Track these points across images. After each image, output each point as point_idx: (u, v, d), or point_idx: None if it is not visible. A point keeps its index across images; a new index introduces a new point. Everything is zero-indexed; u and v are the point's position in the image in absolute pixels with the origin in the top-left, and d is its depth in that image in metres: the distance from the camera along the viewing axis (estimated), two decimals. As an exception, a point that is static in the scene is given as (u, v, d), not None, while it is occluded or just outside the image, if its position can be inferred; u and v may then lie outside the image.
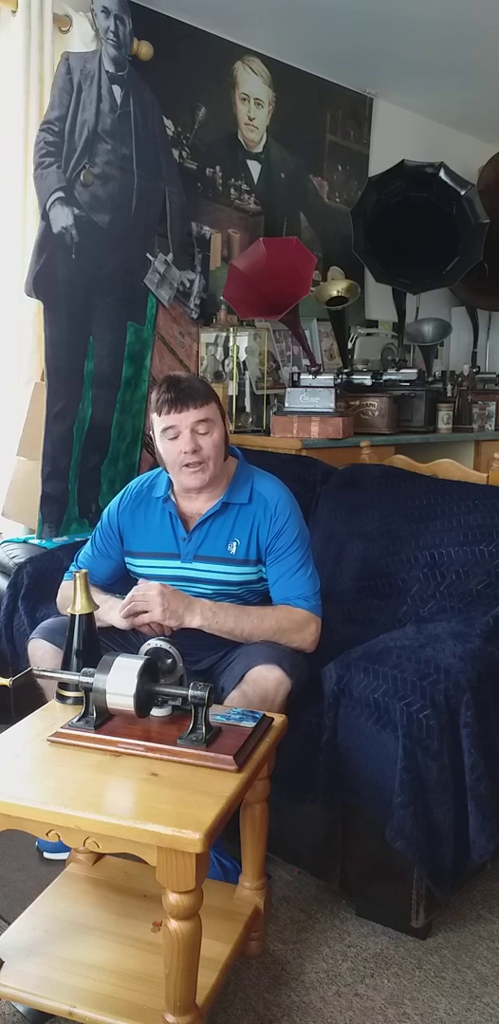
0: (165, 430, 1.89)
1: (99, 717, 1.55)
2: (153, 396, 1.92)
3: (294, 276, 3.16)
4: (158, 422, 1.90)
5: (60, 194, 2.76)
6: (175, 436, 1.88)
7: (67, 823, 1.34)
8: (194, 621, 1.86)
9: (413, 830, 1.65)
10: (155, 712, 1.59)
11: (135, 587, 1.90)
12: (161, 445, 1.93)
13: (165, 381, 1.92)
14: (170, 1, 3.22)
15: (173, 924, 1.33)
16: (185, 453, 1.88)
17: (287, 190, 3.92)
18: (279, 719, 1.68)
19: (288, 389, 3.30)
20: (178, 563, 1.99)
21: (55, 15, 2.87)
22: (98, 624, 1.77)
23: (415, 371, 3.67)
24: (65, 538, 2.90)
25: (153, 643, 1.64)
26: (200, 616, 1.86)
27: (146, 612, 1.85)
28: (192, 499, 1.99)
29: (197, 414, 1.87)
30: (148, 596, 1.84)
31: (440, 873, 1.69)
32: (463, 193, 3.72)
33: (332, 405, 3.21)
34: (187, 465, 1.89)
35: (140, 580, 2.01)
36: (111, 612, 1.89)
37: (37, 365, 2.91)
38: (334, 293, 3.76)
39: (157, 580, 1.96)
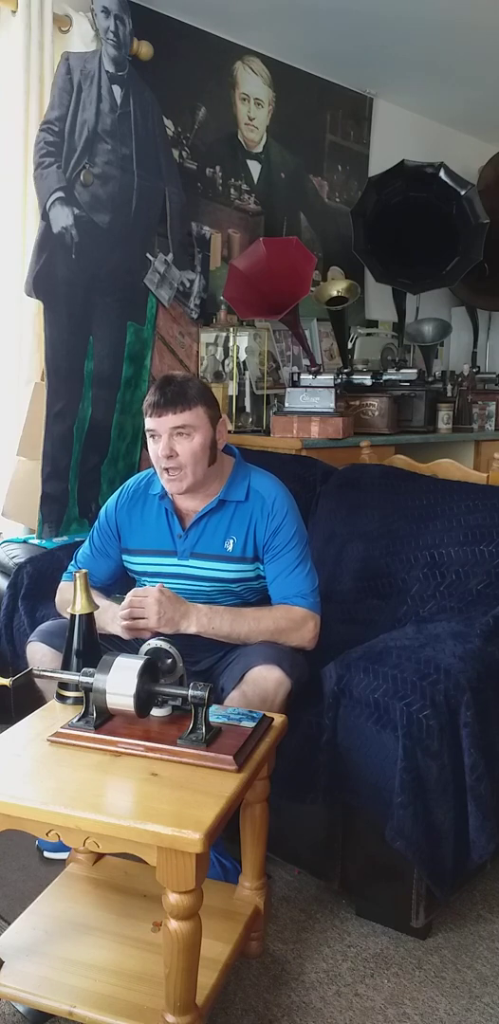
0: (147, 431, 1.93)
1: (99, 717, 1.55)
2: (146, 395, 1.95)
3: (294, 276, 3.16)
4: (145, 423, 1.93)
5: (60, 194, 2.76)
6: (156, 439, 1.91)
7: (67, 823, 1.34)
8: (190, 627, 1.86)
9: (413, 830, 1.65)
10: (155, 712, 1.59)
11: (133, 591, 1.89)
12: (148, 446, 1.95)
13: (157, 382, 1.93)
14: (170, 1, 3.22)
15: (173, 924, 1.33)
16: (161, 457, 1.89)
17: (287, 190, 3.91)
18: (279, 719, 1.68)
19: (288, 389, 3.30)
20: (175, 560, 1.99)
21: (55, 15, 2.87)
22: (99, 632, 1.77)
23: (415, 371, 3.67)
24: (65, 538, 2.90)
25: (153, 643, 1.64)
26: (196, 622, 1.86)
27: (144, 618, 1.85)
28: (187, 497, 1.99)
29: (175, 420, 1.87)
30: (145, 603, 1.84)
31: (440, 873, 1.69)
32: (463, 193, 3.72)
33: (332, 405, 3.21)
34: (166, 470, 1.90)
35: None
36: (113, 623, 1.89)
37: (37, 365, 2.91)
38: (334, 293, 3.76)
39: (154, 578, 1.96)
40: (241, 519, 1.97)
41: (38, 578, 2.44)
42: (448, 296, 4.70)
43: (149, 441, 1.94)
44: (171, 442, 1.88)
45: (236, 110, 3.65)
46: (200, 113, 3.51)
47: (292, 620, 1.91)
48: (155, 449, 1.91)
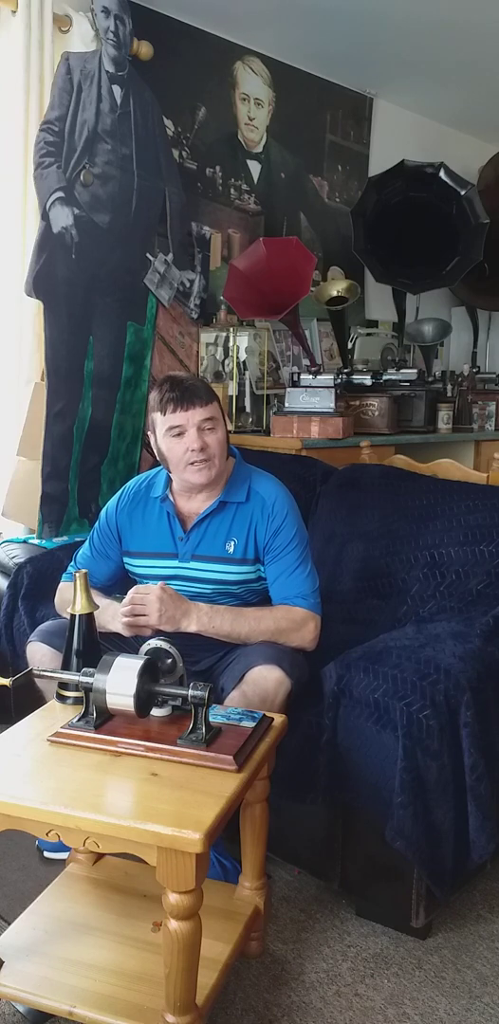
0: (170, 428, 1.89)
1: (99, 717, 1.55)
2: (154, 395, 1.92)
3: (294, 276, 3.16)
4: (162, 421, 1.90)
5: (60, 194, 2.76)
6: (181, 434, 1.88)
7: (67, 823, 1.34)
8: (190, 626, 1.86)
9: (413, 830, 1.65)
10: (155, 712, 1.59)
11: (134, 588, 1.90)
12: (165, 444, 1.92)
13: (167, 380, 1.92)
14: (170, 1, 3.22)
15: (173, 924, 1.33)
16: (192, 451, 1.88)
17: (287, 190, 3.91)
18: (279, 719, 1.68)
19: (288, 389, 3.30)
20: (176, 563, 1.99)
21: (55, 15, 2.87)
22: (99, 630, 1.77)
23: (415, 371, 3.67)
24: (65, 538, 2.90)
25: (153, 643, 1.64)
26: (196, 621, 1.86)
27: (145, 615, 1.85)
28: (190, 498, 1.99)
29: (203, 412, 1.88)
30: (146, 600, 1.84)
31: (440, 873, 1.69)
32: (463, 193, 3.72)
33: (332, 405, 3.21)
34: (193, 463, 1.89)
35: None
36: (114, 621, 1.89)
37: (37, 365, 2.91)
38: (334, 293, 3.76)
39: (155, 580, 1.96)
40: (242, 521, 1.97)
41: (38, 578, 2.44)
42: (448, 296, 4.70)
43: (168, 440, 1.90)
44: (201, 435, 1.88)
45: (236, 110, 3.65)
46: (200, 113, 3.51)
47: (293, 620, 1.91)
48: (180, 445, 1.89)
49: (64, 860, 1.87)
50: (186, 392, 1.87)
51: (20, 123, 2.81)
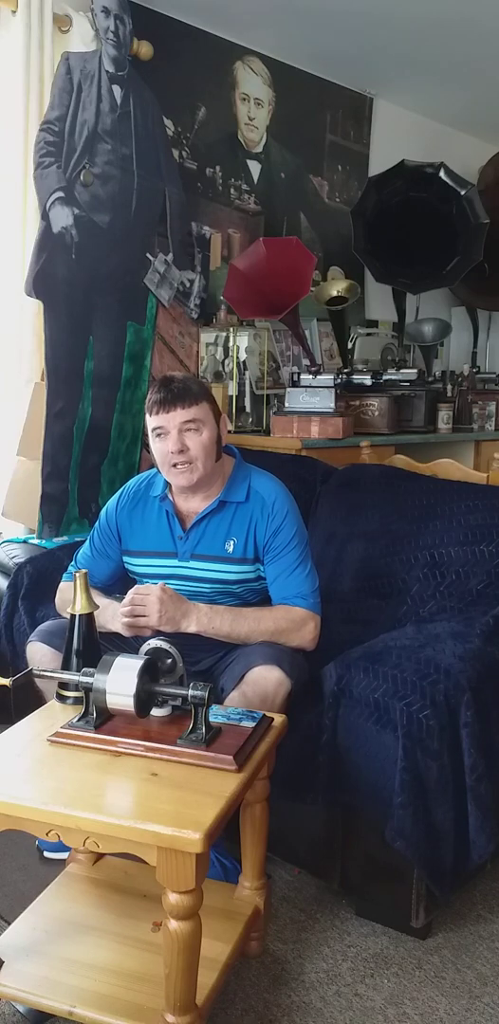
0: (154, 430, 1.92)
1: (99, 717, 1.55)
2: (148, 396, 1.94)
3: (294, 276, 3.16)
4: (149, 422, 1.93)
5: (60, 194, 2.76)
6: (163, 436, 1.90)
7: (67, 823, 1.34)
8: (191, 627, 1.86)
9: (413, 830, 1.64)
10: (155, 712, 1.59)
11: (134, 588, 1.90)
12: (152, 444, 1.95)
13: (158, 381, 1.94)
14: (170, 1, 3.22)
15: (173, 924, 1.33)
16: (172, 453, 1.89)
17: (287, 190, 3.92)
18: (279, 719, 1.68)
19: (288, 389, 3.30)
20: (175, 562, 1.99)
21: (55, 15, 2.87)
22: (99, 630, 1.77)
23: (415, 371, 3.66)
24: (65, 538, 2.90)
25: (153, 643, 1.64)
26: (196, 622, 1.86)
27: (145, 616, 1.85)
28: (189, 498, 2.00)
29: (184, 414, 1.88)
30: (146, 600, 1.84)
31: (440, 873, 1.69)
32: (463, 193, 3.72)
33: (332, 405, 3.21)
34: (175, 465, 1.90)
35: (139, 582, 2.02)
36: (114, 621, 1.90)
37: (37, 365, 2.91)
38: (334, 293, 3.76)
39: (155, 579, 1.96)
40: (241, 520, 1.97)
41: (38, 578, 2.44)
42: (448, 296, 4.70)
43: (154, 441, 1.93)
44: (181, 437, 1.88)
45: (236, 110, 3.65)
46: (200, 113, 3.51)
47: (292, 621, 1.91)
48: (163, 446, 1.90)
49: (64, 860, 1.87)
50: (170, 394, 1.88)
51: (20, 123, 2.81)
